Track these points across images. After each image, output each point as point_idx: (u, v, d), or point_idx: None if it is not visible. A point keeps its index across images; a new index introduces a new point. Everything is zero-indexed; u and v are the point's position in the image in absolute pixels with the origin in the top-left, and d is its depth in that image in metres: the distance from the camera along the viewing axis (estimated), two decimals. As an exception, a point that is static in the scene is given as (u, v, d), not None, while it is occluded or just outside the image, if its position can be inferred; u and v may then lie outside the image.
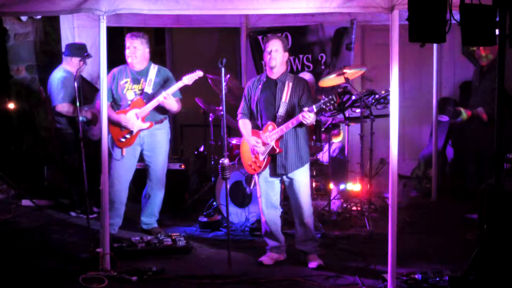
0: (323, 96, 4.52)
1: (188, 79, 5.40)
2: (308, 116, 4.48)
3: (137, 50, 5.43)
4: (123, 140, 5.42)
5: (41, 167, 7.51)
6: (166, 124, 5.66)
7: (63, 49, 6.43)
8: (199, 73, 5.44)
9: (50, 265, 4.80)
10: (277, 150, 4.67)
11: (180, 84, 5.41)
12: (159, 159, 5.63)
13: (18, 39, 8.01)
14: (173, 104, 5.44)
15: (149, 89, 5.47)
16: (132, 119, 5.42)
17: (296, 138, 4.72)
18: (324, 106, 4.48)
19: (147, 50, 5.53)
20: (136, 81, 5.49)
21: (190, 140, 7.99)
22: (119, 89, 5.48)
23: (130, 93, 5.49)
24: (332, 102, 4.46)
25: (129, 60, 5.46)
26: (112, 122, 5.38)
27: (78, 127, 5.26)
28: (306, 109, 4.49)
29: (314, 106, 4.49)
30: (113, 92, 5.50)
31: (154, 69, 5.54)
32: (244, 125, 4.92)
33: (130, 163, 5.54)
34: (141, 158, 5.67)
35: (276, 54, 4.69)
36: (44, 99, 7.08)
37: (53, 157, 7.48)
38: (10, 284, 4.47)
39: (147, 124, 5.47)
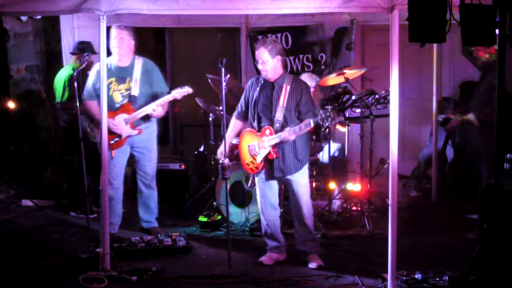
0: (321, 112, 4.47)
1: (177, 94, 5.39)
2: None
3: (123, 41, 5.34)
4: (112, 142, 5.35)
5: (41, 167, 7.52)
6: (154, 122, 5.62)
7: (71, 49, 6.45)
8: (188, 90, 5.44)
9: (50, 265, 4.80)
10: (274, 156, 4.64)
11: (169, 97, 5.40)
12: (150, 156, 5.60)
13: (18, 39, 8.01)
14: (160, 113, 5.45)
15: (136, 91, 5.40)
16: (121, 124, 5.37)
17: (293, 142, 4.65)
18: (321, 122, 4.47)
19: (133, 42, 5.44)
20: (121, 80, 5.40)
21: (190, 140, 8.00)
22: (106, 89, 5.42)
23: (116, 95, 5.41)
24: (330, 119, 4.45)
25: (114, 51, 5.35)
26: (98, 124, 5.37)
27: (79, 127, 5.26)
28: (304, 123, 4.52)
29: (311, 121, 4.48)
30: (98, 92, 5.36)
31: (138, 64, 5.45)
32: (233, 124, 4.95)
33: (121, 161, 5.50)
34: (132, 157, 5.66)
35: (265, 65, 4.62)
36: (44, 99, 7.09)
37: (53, 157, 7.49)
38: (10, 284, 4.47)
39: (136, 131, 5.44)
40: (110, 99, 5.35)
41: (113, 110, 5.37)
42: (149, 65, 5.54)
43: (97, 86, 5.37)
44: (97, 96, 5.37)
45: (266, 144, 4.65)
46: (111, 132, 5.31)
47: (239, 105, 4.96)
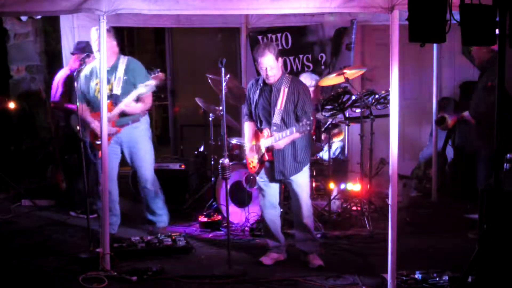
0: (304, 120, 4.42)
1: (149, 82, 5.33)
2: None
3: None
4: (98, 142, 5.27)
5: (41, 167, 7.52)
6: (143, 121, 5.54)
7: (71, 49, 6.45)
8: (159, 74, 5.44)
9: (50, 265, 4.80)
10: (266, 158, 4.66)
11: (140, 90, 5.31)
12: (140, 156, 5.52)
13: (18, 39, 8.02)
14: (134, 109, 5.36)
15: (118, 90, 5.35)
16: None
17: (292, 144, 4.66)
18: (301, 130, 4.40)
19: (115, 43, 5.40)
20: (107, 81, 5.32)
21: (190, 140, 8.00)
22: (91, 91, 5.38)
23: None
24: (308, 128, 4.40)
25: (97, 54, 5.31)
26: (88, 125, 5.37)
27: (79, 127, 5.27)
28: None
29: (294, 129, 4.44)
30: (85, 93, 5.40)
31: (122, 64, 5.40)
32: (247, 128, 4.93)
33: (112, 162, 5.43)
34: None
35: (273, 71, 4.61)
36: (44, 99, 7.10)
37: (53, 157, 7.49)
38: (10, 284, 4.47)
39: (115, 129, 5.38)
40: (95, 99, 5.33)
41: (97, 110, 5.31)
42: (133, 64, 5.47)
43: (85, 90, 5.39)
44: (84, 98, 5.41)
45: (262, 146, 4.68)
46: (95, 133, 5.34)
47: (246, 108, 4.97)
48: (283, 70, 4.77)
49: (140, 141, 5.53)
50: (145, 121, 5.58)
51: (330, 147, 6.19)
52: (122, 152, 5.54)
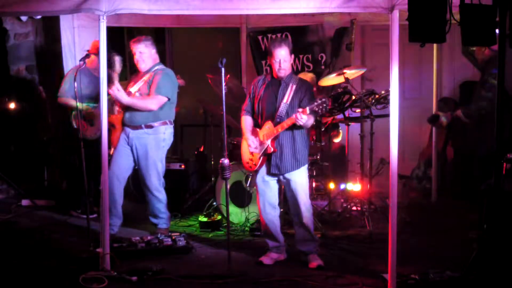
0: (317, 99, 4.47)
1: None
2: (301, 117, 4.44)
3: (143, 54, 5.44)
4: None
5: (41, 167, 7.52)
6: (157, 130, 5.46)
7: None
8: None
9: (50, 265, 4.80)
10: (271, 149, 4.67)
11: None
12: (143, 163, 5.48)
13: (18, 39, 8.01)
14: (140, 103, 5.35)
15: (132, 89, 5.45)
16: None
17: (292, 140, 4.69)
18: (316, 109, 4.43)
19: (154, 51, 5.52)
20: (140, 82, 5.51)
21: (190, 140, 8.00)
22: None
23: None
24: (325, 105, 4.42)
25: (138, 65, 5.48)
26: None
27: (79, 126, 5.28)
28: (300, 109, 4.48)
29: (308, 108, 4.45)
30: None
31: (152, 70, 5.46)
32: (245, 121, 4.92)
33: (120, 162, 5.46)
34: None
35: (285, 64, 4.68)
36: (44, 99, 7.10)
37: (53, 157, 7.49)
38: (11, 284, 4.47)
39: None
40: None
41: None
42: (160, 75, 5.45)
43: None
44: None
45: (265, 139, 4.68)
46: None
47: (245, 103, 4.97)
48: (292, 70, 4.82)
49: (150, 149, 5.47)
50: (160, 131, 5.49)
51: (330, 146, 6.19)
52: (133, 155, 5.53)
